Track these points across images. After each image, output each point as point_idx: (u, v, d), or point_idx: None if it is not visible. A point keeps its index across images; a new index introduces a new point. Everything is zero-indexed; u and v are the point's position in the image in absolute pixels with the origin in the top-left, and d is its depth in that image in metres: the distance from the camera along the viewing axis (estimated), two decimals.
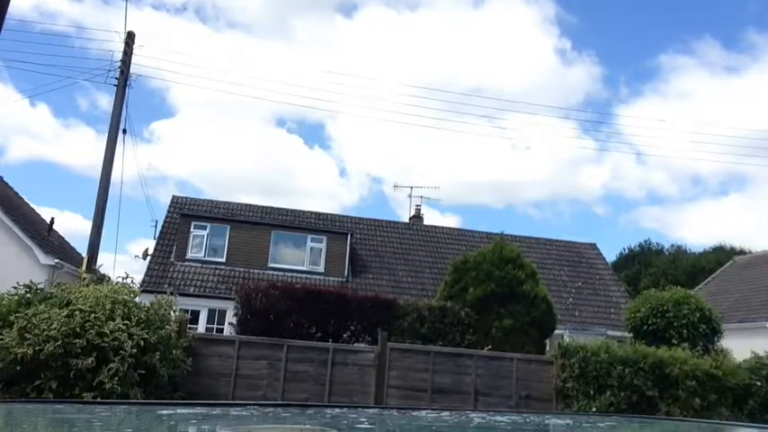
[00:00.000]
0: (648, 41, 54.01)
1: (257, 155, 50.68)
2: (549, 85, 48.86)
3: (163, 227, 19.28)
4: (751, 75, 51.43)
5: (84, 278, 8.94)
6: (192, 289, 16.84)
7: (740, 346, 11.67)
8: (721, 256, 30.23)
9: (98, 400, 6.21)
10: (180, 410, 0.99)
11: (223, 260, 18.13)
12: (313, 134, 57.62)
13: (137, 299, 8.29)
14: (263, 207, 21.33)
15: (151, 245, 18.83)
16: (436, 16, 50.95)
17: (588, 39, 56.23)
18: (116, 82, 13.23)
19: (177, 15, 52.57)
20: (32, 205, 19.99)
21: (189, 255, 17.99)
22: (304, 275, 17.76)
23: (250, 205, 21.43)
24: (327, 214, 22.03)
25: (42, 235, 17.28)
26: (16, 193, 19.30)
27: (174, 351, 7.85)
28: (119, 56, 13.45)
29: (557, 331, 12.35)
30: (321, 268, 18.37)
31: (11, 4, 1.45)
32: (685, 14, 52.44)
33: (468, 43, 48.54)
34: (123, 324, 7.33)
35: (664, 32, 53.23)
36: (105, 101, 52.71)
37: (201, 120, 48.90)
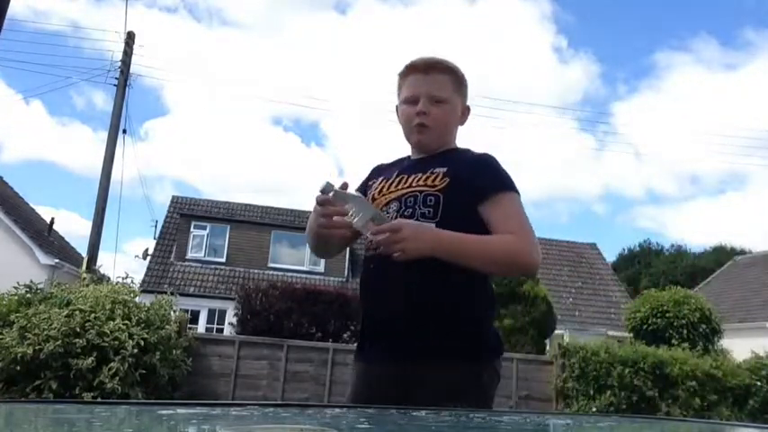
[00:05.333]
0: (645, 39, 54.11)
1: (254, 153, 50.76)
2: (546, 84, 48.93)
3: (163, 227, 19.29)
4: (749, 73, 51.49)
5: (84, 278, 8.94)
6: (191, 289, 16.84)
7: (740, 346, 11.67)
8: (721, 256, 30.23)
9: (98, 400, 6.21)
10: (180, 410, 0.99)
11: (223, 260, 18.13)
12: (310, 133, 57.68)
13: (137, 299, 8.29)
14: (262, 207, 21.33)
15: (150, 245, 18.86)
16: (431, 14, 50.96)
17: (585, 37, 56.34)
18: (115, 82, 13.23)
19: (170, 13, 52.50)
20: (32, 205, 20.02)
21: (189, 255, 17.99)
22: (304, 275, 17.76)
23: (250, 205, 21.42)
24: None
25: (42, 235, 17.28)
26: (16, 193, 19.30)
27: (174, 351, 7.85)
28: (118, 55, 13.45)
29: (557, 331, 12.36)
30: (321, 268, 18.36)
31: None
32: (681, 12, 52.50)
33: (464, 41, 48.58)
34: (123, 324, 7.32)
35: (660, 30, 53.31)
36: (101, 99, 52.67)
37: (197, 118, 48.92)
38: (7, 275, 9.75)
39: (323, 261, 18.48)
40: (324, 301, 10.44)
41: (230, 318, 12.05)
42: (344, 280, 18.10)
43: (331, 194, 1.58)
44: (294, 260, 18.53)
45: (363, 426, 0.93)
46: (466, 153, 1.86)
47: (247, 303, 10.23)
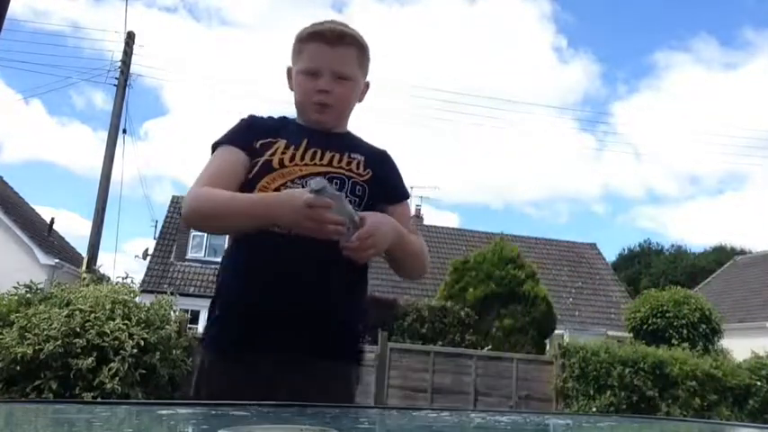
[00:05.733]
0: (645, 39, 54.15)
1: None
2: (546, 84, 48.94)
3: (163, 227, 19.29)
4: (749, 73, 51.53)
5: (84, 278, 8.94)
6: (192, 289, 16.84)
7: (740, 346, 11.68)
8: (721, 256, 30.25)
9: (98, 400, 6.21)
10: (180, 410, 0.99)
11: None
12: None
13: (137, 299, 8.29)
14: None
15: (150, 245, 18.86)
16: (430, 13, 50.96)
17: (585, 36, 56.36)
18: (115, 82, 13.23)
19: (170, 13, 52.49)
20: (32, 205, 20.03)
21: (189, 255, 17.99)
22: None
23: None
24: None
25: (42, 235, 17.28)
26: (16, 193, 19.31)
27: (174, 351, 7.85)
28: (118, 56, 13.45)
29: (557, 331, 12.36)
30: None
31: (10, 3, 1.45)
32: (681, 11, 52.54)
33: (464, 41, 48.59)
34: (123, 324, 7.32)
35: (660, 30, 53.34)
36: (101, 99, 52.66)
37: (197, 118, 48.90)
38: (7, 275, 9.75)
39: None
40: None
41: None
42: None
43: (327, 199, 1.39)
44: None
45: (363, 426, 0.93)
46: (367, 143, 1.77)
47: None
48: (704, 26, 55.77)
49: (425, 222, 23.05)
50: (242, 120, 1.72)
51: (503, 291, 10.92)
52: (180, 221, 18.59)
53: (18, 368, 7.00)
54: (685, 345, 10.51)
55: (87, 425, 0.82)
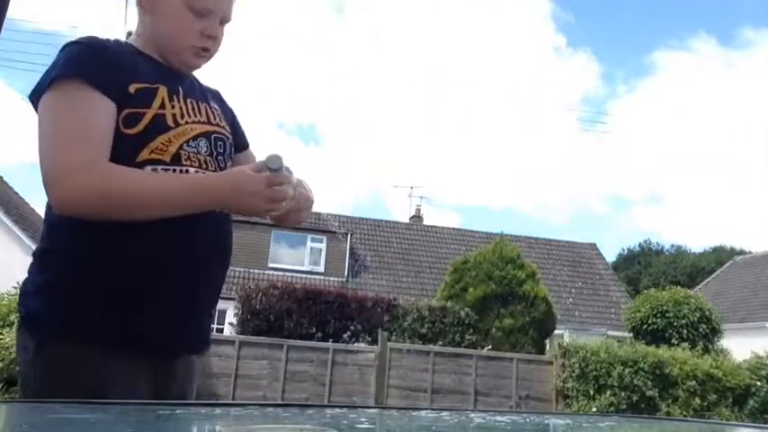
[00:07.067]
0: (644, 38, 54.20)
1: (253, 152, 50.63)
2: (545, 83, 48.94)
3: None
4: (748, 72, 51.58)
5: None
6: None
7: (740, 346, 11.68)
8: (721, 256, 30.29)
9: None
10: (180, 410, 0.99)
11: None
12: (308, 132, 57.75)
13: None
14: None
15: None
16: (429, 13, 51.01)
17: (584, 36, 56.42)
18: None
19: None
20: (32, 205, 20.04)
21: None
22: (304, 275, 17.77)
23: None
24: (327, 214, 22.02)
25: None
26: (16, 193, 19.31)
27: None
28: None
29: (557, 331, 12.36)
30: (321, 268, 18.38)
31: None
32: (680, 11, 52.60)
33: (463, 40, 48.61)
34: None
35: (659, 29, 53.38)
36: None
37: None
38: (7, 275, 9.74)
39: (323, 261, 18.48)
40: (324, 301, 10.45)
41: (230, 318, 12.06)
42: (344, 280, 18.12)
43: (281, 175, 1.25)
44: (294, 260, 18.55)
45: (363, 426, 0.93)
46: (204, 85, 1.53)
47: (247, 303, 10.24)
48: (703, 25, 55.88)
49: (425, 222, 23.05)
50: (85, 45, 1.30)
51: (503, 291, 10.91)
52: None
53: (18, 368, 7.01)
54: (685, 345, 10.51)
55: (87, 425, 0.82)
